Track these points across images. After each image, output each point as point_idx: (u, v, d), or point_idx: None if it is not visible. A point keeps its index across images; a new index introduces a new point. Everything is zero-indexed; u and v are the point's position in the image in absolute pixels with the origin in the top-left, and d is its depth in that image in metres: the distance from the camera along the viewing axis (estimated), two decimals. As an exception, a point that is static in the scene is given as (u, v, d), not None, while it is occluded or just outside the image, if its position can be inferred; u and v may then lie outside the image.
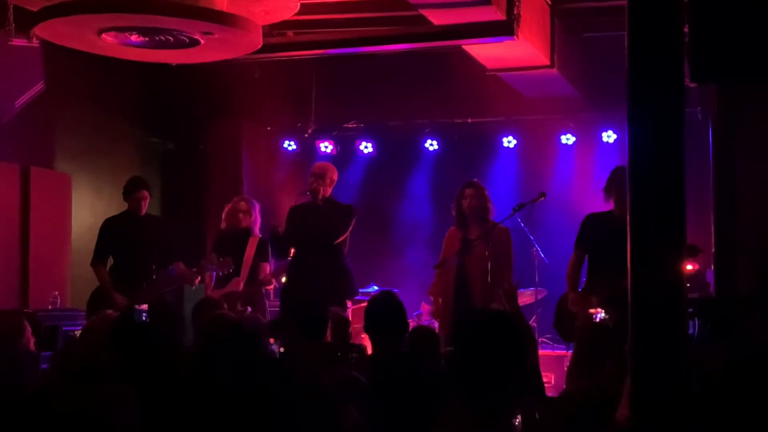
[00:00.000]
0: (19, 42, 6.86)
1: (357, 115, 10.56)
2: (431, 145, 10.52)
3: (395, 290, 8.18)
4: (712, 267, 6.52)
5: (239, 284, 7.36)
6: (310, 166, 7.66)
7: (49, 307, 7.82)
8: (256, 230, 7.62)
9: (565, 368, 7.08)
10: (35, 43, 6.96)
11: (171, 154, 10.83)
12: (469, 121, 10.16)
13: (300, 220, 7.19)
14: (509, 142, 10.26)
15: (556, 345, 8.64)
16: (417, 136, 10.52)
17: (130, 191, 7.32)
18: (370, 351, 4.56)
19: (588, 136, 10.00)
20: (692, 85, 3.28)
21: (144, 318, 5.55)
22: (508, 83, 9.14)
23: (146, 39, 6.69)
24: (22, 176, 8.55)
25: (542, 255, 8.97)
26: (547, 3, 8.24)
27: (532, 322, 8.70)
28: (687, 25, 2.96)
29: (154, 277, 7.23)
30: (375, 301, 4.33)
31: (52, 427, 3.12)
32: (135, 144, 10.41)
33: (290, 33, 8.20)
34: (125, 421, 3.13)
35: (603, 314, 5.39)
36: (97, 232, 7.49)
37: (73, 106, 9.34)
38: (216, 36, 6.66)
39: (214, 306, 5.40)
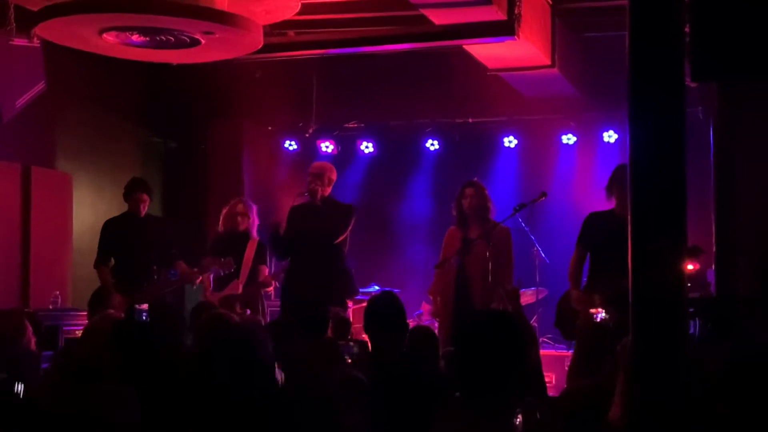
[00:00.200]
0: (19, 42, 6.86)
1: (358, 115, 10.55)
2: (432, 144, 10.52)
3: (396, 290, 8.19)
4: (713, 267, 6.52)
5: (238, 286, 7.36)
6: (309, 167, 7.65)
7: (50, 307, 7.83)
8: (255, 233, 7.62)
9: (566, 368, 7.07)
10: (36, 42, 6.96)
11: (172, 153, 10.84)
12: (470, 120, 10.16)
13: (299, 221, 7.19)
14: (510, 141, 10.25)
15: (557, 345, 8.64)
16: (418, 135, 10.52)
17: (129, 193, 7.34)
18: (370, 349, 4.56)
19: (589, 136, 10.00)
20: (693, 84, 3.28)
21: (144, 318, 5.56)
22: (509, 83, 9.14)
23: (147, 39, 6.69)
24: (23, 176, 8.56)
25: (543, 255, 8.97)
26: (547, 3, 8.24)
27: (533, 322, 8.70)
28: (688, 25, 2.96)
29: (155, 277, 7.23)
30: (375, 301, 4.33)
31: (52, 427, 3.12)
32: (136, 144, 10.41)
33: (291, 33, 8.20)
34: (125, 421, 3.13)
35: (604, 314, 5.40)
36: (98, 231, 7.51)
37: (74, 105, 9.35)
38: (217, 36, 6.66)
39: (211, 309, 5.40)
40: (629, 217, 2.79)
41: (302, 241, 7.10)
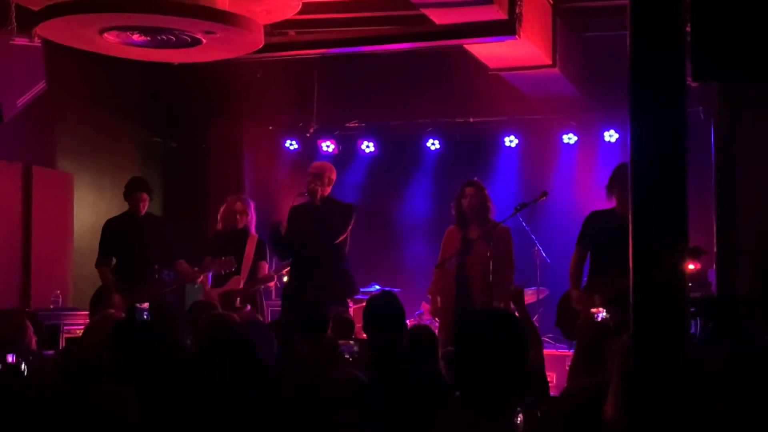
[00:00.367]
0: (20, 41, 6.86)
1: (359, 115, 10.55)
2: (433, 144, 10.52)
3: (397, 290, 8.19)
4: (714, 266, 6.52)
5: (239, 282, 7.36)
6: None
7: (51, 307, 7.84)
8: (254, 229, 7.62)
9: (567, 367, 7.07)
10: (37, 42, 6.96)
11: (173, 153, 10.84)
12: (471, 120, 10.16)
13: (299, 221, 7.18)
14: (511, 141, 10.25)
15: (557, 344, 8.63)
16: (419, 135, 10.52)
17: (129, 192, 7.34)
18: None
19: (590, 136, 10.00)
20: (694, 84, 3.28)
21: (145, 317, 5.56)
22: (510, 83, 9.14)
23: (148, 38, 6.69)
24: (24, 175, 8.56)
25: (544, 254, 8.97)
26: (548, 2, 8.24)
27: (534, 322, 8.70)
28: (688, 25, 2.96)
29: (156, 276, 7.23)
30: (374, 300, 4.33)
31: (52, 427, 3.12)
32: (137, 143, 10.41)
33: (292, 32, 8.20)
34: (125, 421, 3.13)
35: (604, 313, 5.39)
36: (98, 231, 7.51)
37: (75, 105, 9.35)
38: (218, 35, 6.66)
39: (209, 308, 5.40)
40: (630, 216, 2.79)
41: (302, 241, 7.09)
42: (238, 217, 7.53)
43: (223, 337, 3.00)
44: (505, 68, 8.66)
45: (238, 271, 7.33)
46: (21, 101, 7.00)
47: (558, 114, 9.88)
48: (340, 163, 9.55)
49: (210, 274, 7.42)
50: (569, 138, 10.04)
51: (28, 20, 6.66)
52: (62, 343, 7.21)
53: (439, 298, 7.05)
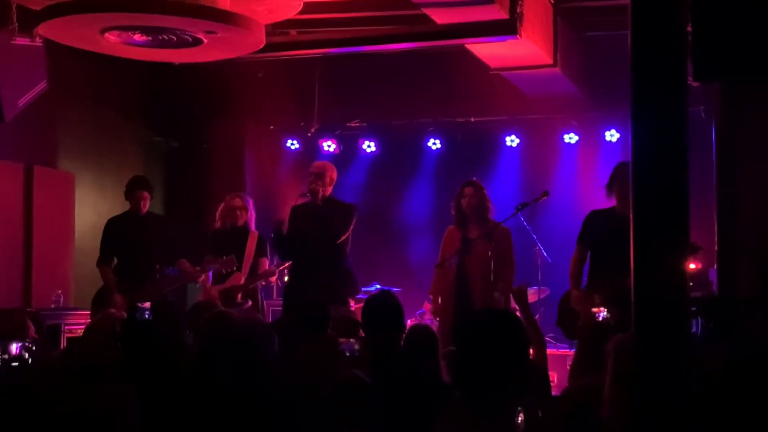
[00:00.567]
0: (22, 41, 6.86)
1: (360, 114, 10.56)
2: (434, 144, 10.52)
3: (398, 289, 8.20)
4: (715, 266, 6.51)
5: (240, 279, 7.37)
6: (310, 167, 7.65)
7: (52, 306, 7.84)
8: (254, 226, 7.63)
9: (568, 367, 7.07)
10: (38, 42, 6.96)
11: (174, 153, 10.84)
12: (472, 120, 10.16)
13: (301, 220, 7.19)
14: (512, 141, 10.25)
15: (558, 344, 8.63)
16: (420, 135, 10.52)
17: (130, 191, 7.35)
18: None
19: (591, 135, 9.99)
20: (695, 84, 3.28)
21: (147, 316, 5.57)
22: (511, 82, 9.14)
23: (149, 38, 6.69)
24: (26, 175, 8.57)
25: (545, 254, 8.97)
26: (549, 2, 8.24)
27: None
28: (690, 24, 2.96)
29: (158, 275, 7.24)
30: (372, 300, 4.33)
31: (52, 427, 3.12)
32: (138, 143, 10.42)
33: (293, 32, 8.20)
34: (125, 421, 3.13)
35: (606, 313, 5.39)
36: (100, 230, 7.52)
37: (77, 105, 9.36)
38: (219, 35, 6.66)
39: (210, 308, 5.41)
40: (631, 216, 2.79)
41: (304, 240, 7.10)
42: (238, 213, 7.53)
43: (223, 336, 3.00)
44: (506, 68, 8.66)
45: (239, 268, 7.34)
46: (22, 101, 7.00)
47: (559, 114, 9.88)
48: (342, 163, 9.55)
49: (210, 272, 7.43)
50: (570, 137, 10.04)
51: (29, 20, 6.66)
52: (63, 343, 7.22)
53: (439, 299, 7.05)
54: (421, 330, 4.70)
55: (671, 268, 2.73)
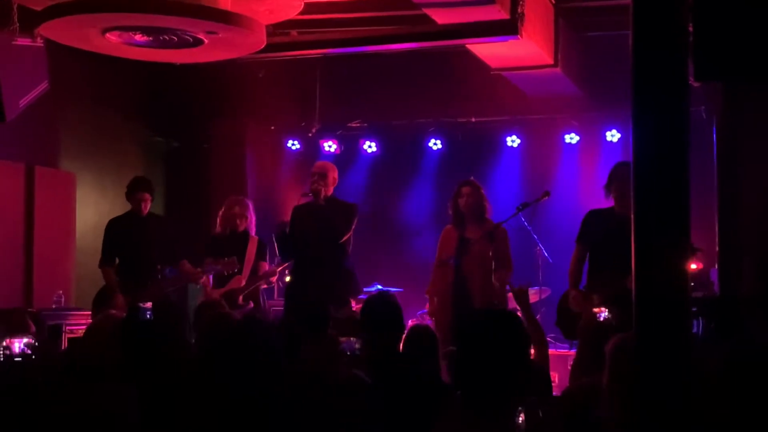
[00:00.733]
0: (23, 41, 6.87)
1: (361, 115, 10.56)
2: (435, 144, 10.52)
3: (399, 289, 8.20)
4: (716, 266, 6.51)
5: (241, 281, 7.37)
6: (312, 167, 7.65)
7: (54, 306, 7.84)
8: (253, 231, 7.63)
9: (569, 367, 7.07)
10: (39, 42, 6.97)
11: (175, 153, 10.84)
12: (473, 120, 10.16)
13: (304, 220, 7.19)
14: (513, 141, 10.25)
15: (559, 344, 8.63)
16: (421, 135, 10.52)
17: (132, 192, 7.36)
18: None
19: (592, 136, 9.99)
20: (696, 84, 3.28)
21: (148, 316, 5.56)
22: (512, 82, 9.14)
23: (150, 38, 6.70)
24: (27, 175, 8.57)
25: (546, 254, 8.96)
26: (550, 2, 8.24)
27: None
28: (691, 24, 2.96)
29: (159, 276, 7.24)
30: (371, 300, 4.33)
31: (52, 427, 3.12)
32: (139, 143, 10.42)
33: (294, 32, 8.20)
34: (125, 421, 3.13)
35: (607, 313, 5.39)
36: (101, 230, 7.52)
37: (78, 105, 9.36)
38: (220, 35, 6.67)
39: (215, 307, 5.42)
40: (632, 216, 2.79)
41: (306, 240, 7.10)
42: (237, 221, 7.53)
43: (223, 336, 3.00)
44: (507, 68, 8.66)
45: (240, 272, 7.35)
46: (23, 101, 7.01)
47: (560, 114, 9.88)
48: (343, 163, 9.55)
49: (211, 275, 7.43)
50: (571, 138, 10.04)
51: (30, 20, 6.67)
52: (65, 343, 7.22)
53: (435, 299, 7.05)
54: (421, 330, 4.70)
55: (672, 268, 2.73)
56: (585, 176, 9.91)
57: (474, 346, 2.49)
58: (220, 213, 7.65)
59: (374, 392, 3.42)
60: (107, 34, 6.62)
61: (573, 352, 6.58)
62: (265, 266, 7.59)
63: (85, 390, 3.27)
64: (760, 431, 2.53)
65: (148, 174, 8.80)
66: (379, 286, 9.08)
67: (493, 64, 8.60)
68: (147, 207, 7.36)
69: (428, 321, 8.37)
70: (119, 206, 7.99)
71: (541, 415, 2.72)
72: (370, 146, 10.70)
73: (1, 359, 3.93)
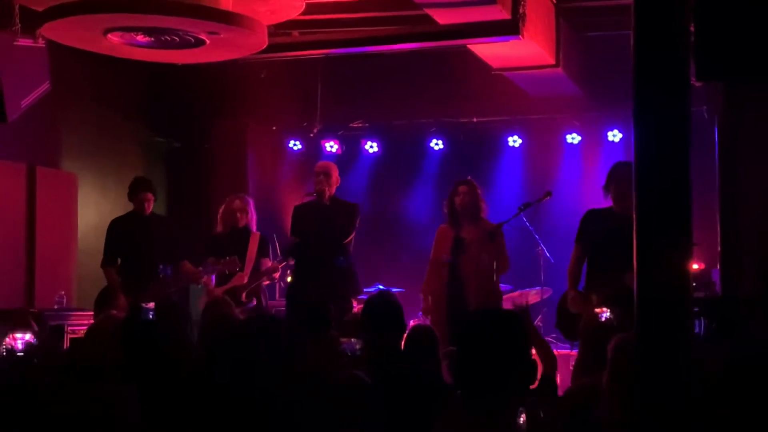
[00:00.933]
0: (24, 42, 6.87)
1: (362, 115, 10.56)
2: (436, 144, 10.52)
3: (400, 289, 8.19)
4: (718, 266, 6.50)
5: (243, 279, 7.37)
6: (314, 167, 7.65)
7: (55, 307, 7.84)
8: (255, 227, 7.63)
9: (571, 367, 7.07)
10: (41, 43, 6.97)
11: (176, 153, 10.85)
12: (475, 120, 10.15)
13: (306, 220, 7.20)
14: (514, 141, 10.25)
15: (560, 344, 8.63)
16: (422, 135, 10.52)
17: (134, 192, 7.36)
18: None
19: (593, 136, 9.99)
20: (697, 84, 3.28)
21: (151, 316, 5.56)
22: (514, 82, 9.13)
23: (152, 39, 6.70)
24: (28, 176, 8.58)
25: (547, 254, 8.96)
26: (552, 2, 8.23)
27: (538, 322, 8.69)
28: (692, 24, 2.96)
29: (161, 276, 7.24)
30: (372, 300, 4.34)
31: (53, 427, 3.12)
32: (140, 143, 10.42)
33: (296, 33, 8.20)
34: (125, 421, 3.13)
35: (608, 313, 5.38)
36: (102, 231, 7.53)
37: (79, 105, 9.36)
38: (221, 36, 6.67)
39: (223, 306, 5.42)
40: (634, 216, 2.79)
41: (308, 240, 7.10)
42: (238, 215, 7.53)
43: (225, 336, 3.00)
44: (508, 68, 8.66)
45: (242, 269, 7.34)
46: (25, 102, 7.02)
47: (561, 114, 9.88)
48: (344, 164, 9.55)
49: (213, 275, 7.43)
50: (573, 138, 10.03)
51: (32, 21, 6.67)
52: (67, 344, 7.22)
53: (430, 297, 7.05)
54: (421, 330, 4.71)
55: (674, 268, 2.73)
56: (586, 176, 9.90)
57: (474, 345, 2.49)
58: (220, 211, 7.65)
59: (374, 392, 3.42)
60: (109, 35, 6.62)
61: (574, 352, 6.57)
62: (268, 263, 7.57)
63: (86, 390, 3.28)
64: (761, 431, 2.52)
65: (149, 174, 8.80)
66: (381, 286, 9.08)
67: (494, 64, 8.60)
68: (150, 207, 7.37)
69: (420, 313, 8.37)
70: (120, 206, 7.99)
71: (542, 415, 2.72)
72: (371, 146, 10.70)
73: (3, 354, 3.93)
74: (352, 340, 4.36)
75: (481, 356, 2.46)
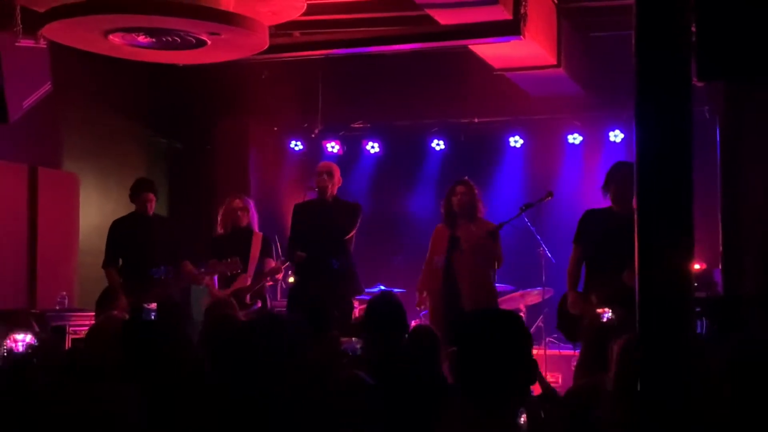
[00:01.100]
0: (26, 43, 6.87)
1: (363, 115, 10.56)
2: (438, 144, 10.52)
3: (402, 290, 8.20)
4: (720, 266, 6.50)
5: (247, 280, 7.36)
6: (316, 166, 7.65)
7: (57, 307, 7.85)
8: (257, 227, 7.62)
9: (573, 368, 7.07)
10: (42, 44, 6.98)
11: (178, 154, 10.85)
12: (476, 120, 10.15)
13: (307, 219, 7.20)
14: (516, 141, 10.25)
15: (562, 344, 8.63)
16: (423, 135, 10.52)
17: (136, 193, 7.36)
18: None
19: (595, 136, 9.98)
20: (699, 84, 3.28)
21: (152, 317, 5.57)
22: (515, 83, 9.13)
23: (153, 40, 6.71)
24: (30, 176, 8.59)
25: (549, 254, 8.96)
26: (553, 2, 8.23)
27: (539, 322, 8.70)
28: (693, 24, 2.96)
29: (162, 277, 7.24)
30: (374, 301, 4.34)
31: (53, 427, 3.12)
32: (142, 144, 10.43)
33: (297, 33, 8.21)
34: (125, 421, 3.13)
35: (610, 314, 5.38)
36: (104, 231, 7.53)
37: (81, 106, 9.37)
38: (223, 36, 6.67)
39: (225, 307, 5.42)
40: (636, 216, 2.79)
41: (311, 238, 7.11)
42: (239, 214, 7.52)
43: (226, 336, 3.00)
44: (509, 68, 8.66)
45: (244, 269, 7.33)
46: (27, 102, 7.01)
47: (563, 114, 9.88)
48: (345, 164, 9.55)
49: (216, 277, 7.42)
50: (574, 138, 10.03)
51: (33, 22, 6.68)
52: (68, 344, 7.23)
53: (426, 295, 7.08)
54: (423, 330, 4.71)
55: (675, 268, 2.73)
56: (588, 176, 9.89)
57: (474, 346, 2.49)
58: (221, 212, 7.64)
59: (375, 392, 3.42)
60: (110, 36, 6.63)
61: (577, 352, 6.58)
62: (271, 263, 7.56)
63: (86, 390, 3.28)
64: (762, 430, 2.52)
65: (150, 174, 8.82)
66: (382, 287, 9.09)
67: (495, 64, 8.60)
68: (152, 207, 7.37)
69: (421, 314, 8.39)
70: (122, 207, 7.99)
71: (543, 415, 2.72)
72: (372, 147, 10.70)
73: (5, 354, 3.94)
74: (353, 339, 4.37)
75: (482, 356, 2.46)
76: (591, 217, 6.30)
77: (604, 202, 6.47)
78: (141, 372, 3.44)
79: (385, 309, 4.22)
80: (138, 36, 6.65)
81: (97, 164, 9.61)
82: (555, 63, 8.38)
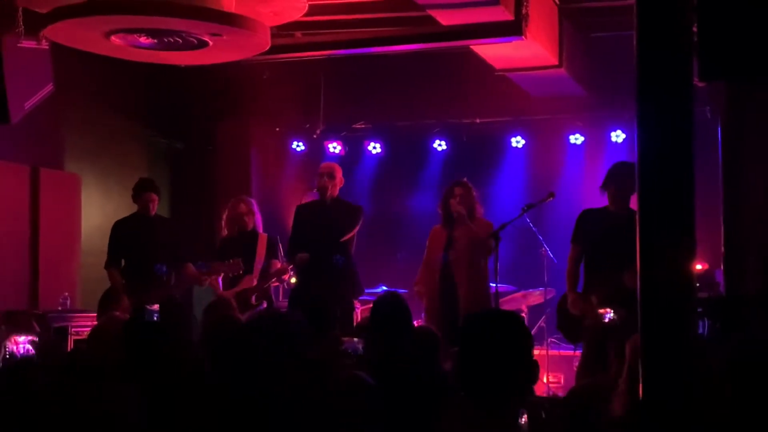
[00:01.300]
0: (28, 44, 6.88)
1: (365, 116, 10.56)
2: (439, 145, 10.51)
3: (403, 291, 8.20)
4: (722, 266, 6.49)
5: (252, 281, 7.36)
6: (318, 167, 7.65)
7: (59, 308, 7.86)
8: (261, 228, 7.63)
9: (574, 368, 7.07)
10: (44, 45, 6.98)
11: (179, 154, 10.86)
12: (478, 121, 10.15)
13: (308, 220, 7.20)
14: (517, 142, 10.24)
15: (563, 345, 8.63)
16: (425, 136, 10.52)
17: (138, 193, 7.37)
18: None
19: (596, 136, 9.98)
20: (700, 84, 3.28)
21: (155, 318, 5.58)
22: (517, 83, 9.13)
23: (155, 41, 6.71)
24: (32, 177, 8.60)
25: (551, 255, 8.95)
26: (555, 3, 8.23)
27: (541, 323, 8.69)
28: (695, 25, 2.96)
29: (164, 278, 7.25)
30: (379, 301, 4.34)
31: (54, 427, 3.13)
32: (144, 144, 10.44)
33: (298, 34, 8.21)
34: (125, 421, 3.14)
35: (612, 314, 5.38)
36: (106, 232, 7.54)
37: (82, 107, 9.38)
38: (224, 37, 6.68)
39: (224, 307, 5.42)
40: (638, 216, 2.79)
41: (312, 239, 7.11)
42: (245, 218, 7.52)
43: (226, 336, 3.00)
44: (511, 69, 8.66)
45: (250, 270, 7.32)
46: (28, 103, 7.02)
47: (564, 114, 9.87)
48: (347, 164, 9.55)
49: (220, 278, 7.42)
50: (576, 138, 10.02)
51: (35, 23, 6.69)
52: (71, 345, 7.24)
53: (423, 292, 7.08)
54: (424, 331, 4.71)
55: (677, 268, 2.73)
56: (590, 177, 9.87)
57: (475, 346, 2.49)
58: (224, 216, 7.63)
59: (375, 393, 3.42)
60: (112, 37, 6.63)
61: (578, 353, 6.58)
62: (277, 264, 7.55)
63: (87, 390, 3.28)
64: (763, 431, 2.52)
65: (152, 175, 8.82)
66: (384, 288, 9.09)
67: (497, 65, 8.60)
68: (154, 208, 7.38)
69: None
70: (124, 208, 8.00)
71: (544, 415, 2.72)
72: (374, 147, 10.70)
73: (6, 356, 3.94)
74: (354, 339, 4.36)
75: (483, 357, 2.46)
76: (588, 216, 6.30)
77: (605, 202, 6.47)
78: (141, 372, 3.44)
79: (389, 310, 4.22)
80: (139, 37, 6.65)
81: (98, 165, 9.62)
82: (556, 63, 8.38)
